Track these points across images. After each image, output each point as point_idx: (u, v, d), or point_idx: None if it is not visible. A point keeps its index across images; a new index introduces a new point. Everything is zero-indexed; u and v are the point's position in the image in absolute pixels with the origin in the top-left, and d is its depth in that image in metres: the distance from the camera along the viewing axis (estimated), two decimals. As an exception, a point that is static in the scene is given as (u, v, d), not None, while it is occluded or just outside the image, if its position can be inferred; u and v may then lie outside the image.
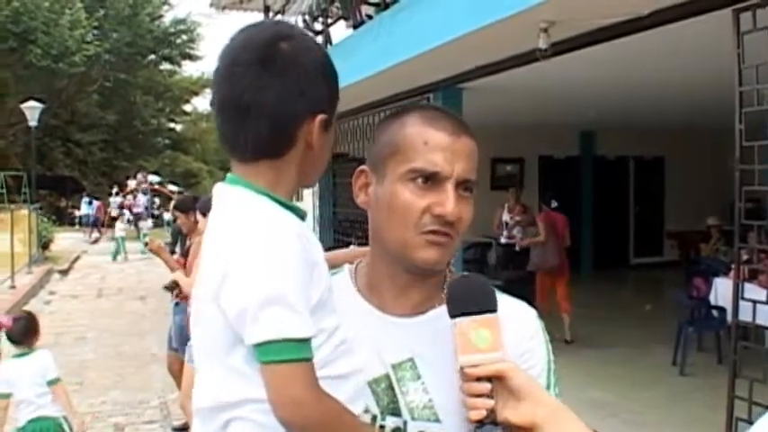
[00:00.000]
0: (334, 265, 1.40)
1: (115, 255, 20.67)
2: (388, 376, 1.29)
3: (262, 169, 1.19)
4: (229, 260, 1.13)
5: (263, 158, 1.19)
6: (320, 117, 1.19)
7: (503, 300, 1.33)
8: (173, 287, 5.72)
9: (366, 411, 1.25)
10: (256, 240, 1.12)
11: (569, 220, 9.81)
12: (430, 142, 1.26)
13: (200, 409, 1.20)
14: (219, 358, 1.16)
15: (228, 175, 1.23)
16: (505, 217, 10.94)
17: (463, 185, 1.27)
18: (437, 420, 1.26)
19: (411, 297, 1.33)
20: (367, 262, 1.40)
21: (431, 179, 1.25)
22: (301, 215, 1.22)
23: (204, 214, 5.48)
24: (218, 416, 1.17)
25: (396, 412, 1.27)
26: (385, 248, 1.32)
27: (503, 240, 10.85)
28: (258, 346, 1.09)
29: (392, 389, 1.28)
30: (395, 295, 1.34)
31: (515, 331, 1.30)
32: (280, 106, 1.16)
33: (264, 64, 1.16)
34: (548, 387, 1.30)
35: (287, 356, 1.08)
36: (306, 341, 1.10)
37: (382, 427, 1.27)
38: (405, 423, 1.27)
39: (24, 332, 4.51)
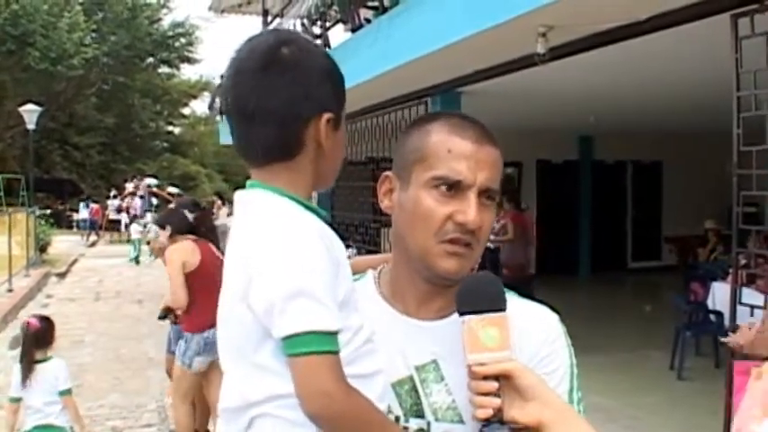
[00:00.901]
0: (357, 271, 1.42)
1: (137, 257, 20.59)
2: (411, 378, 1.30)
3: (276, 172, 1.22)
4: (256, 259, 1.14)
5: (275, 162, 1.22)
6: (326, 116, 1.21)
7: (525, 303, 1.37)
8: (166, 314, 5.65)
9: (389, 413, 1.26)
10: (281, 239, 1.14)
11: (533, 221, 10.69)
12: (454, 150, 1.28)
13: (226, 409, 1.22)
14: (248, 357, 1.17)
15: (248, 181, 1.26)
16: None
17: (486, 194, 1.28)
18: (461, 421, 1.27)
19: (434, 302, 1.34)
20: (390, 268, 1.41)
21: (454, 187, 1.27)
22: (322, 216, 1.24)
23: (162, 227, 5.51)
24: (243, 415, 1.18)
25: (419, 414, 1.29)
26: (407, 255, 1.33)
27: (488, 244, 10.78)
28: (286, 338, 1.11)
29: (416, 390, 1.29)
30: (418, 300, 1.35)
31: (537, 334, 1.32)
32: (285, 109, 1.19)
33: (267, 69, 1.19)
34: (570, 391, 1.31)
35: (315, 348, 1.09)
36: (333, 334, 1.12)
37: (406, 428, 1.28)
38: (428, 424, 1.28)
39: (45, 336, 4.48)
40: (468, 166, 1.26)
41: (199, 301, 5.09)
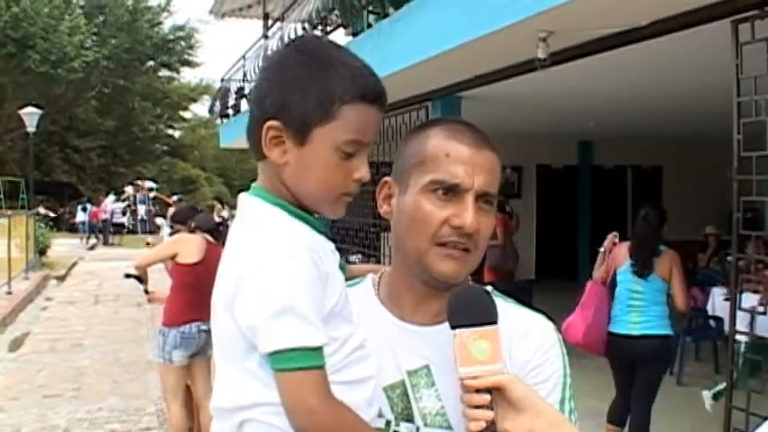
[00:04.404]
0: (357, 275, 1.44)
1: None
2: (403, 383, 1.31)
3: (260, 169, 1.26)
4: (242, 271, 1.15)
5: (258, 158, 1.24)
6: (270, 123, 1.18)
7: (520, 310, 1.36)
8: (136, 278, 5.60)
9: (380, 416, 1.27)
10: (267, 253, 1.14)
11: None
12: (452, 154, 1.28)
13: (218, 408, 1.23)
14: (238, 362, 1.19)
15: (253, 182, 1.28)
16: None
17: (483, 198, 1.29)
18: (449, 428, 1.28)
19: (430, 307, 1.34)
20: (389, 272, 1.42)
21: (451, 191, 1.27)
22: (317, 226, 1.23)
23: (188, 224, 5.57)
24: (233, 416, 1.20)
25: (409, 418, 1.29)
26: (405, 259, 1.34)
27: None
28: (272, 354, 1.12)
29: (407, 395, 1.30)
30: (414, 305, 1.35)
31: (531, 343, 1.31)
32: (251, 105, 1.24)
33: (264, 67, 1.27)
34: (561, 401, 1.30)
35: (299, 364, 1.11)
36: (318, 349, 1.13)
37: None
38: (417, 429, 1.29)
39: None
40: (466, 170, 1.27)
41: (182, 297, 5.12)
